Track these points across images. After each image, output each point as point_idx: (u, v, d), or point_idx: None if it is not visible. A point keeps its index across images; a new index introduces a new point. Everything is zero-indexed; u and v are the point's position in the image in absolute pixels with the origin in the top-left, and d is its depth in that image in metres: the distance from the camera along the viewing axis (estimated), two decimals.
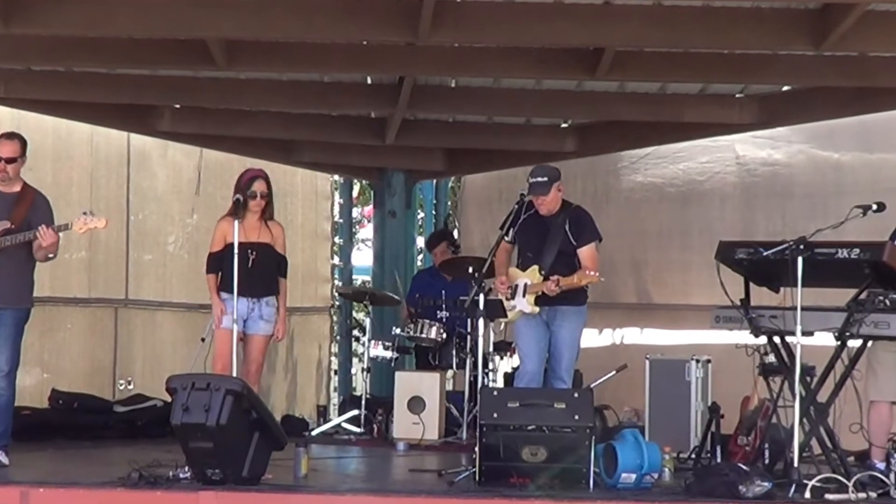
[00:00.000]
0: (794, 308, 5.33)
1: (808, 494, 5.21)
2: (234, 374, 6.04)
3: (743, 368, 6.12)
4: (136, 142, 8.71)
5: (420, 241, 10.55)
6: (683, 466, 6.17)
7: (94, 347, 8.63)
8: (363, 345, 8.14)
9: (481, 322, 6.73)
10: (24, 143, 6.00)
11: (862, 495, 5.23)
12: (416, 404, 7.17)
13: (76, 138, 8.44)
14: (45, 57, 7.15)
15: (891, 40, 6.51)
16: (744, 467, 5.47)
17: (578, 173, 9.07)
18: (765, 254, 5.49)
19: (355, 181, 10.94)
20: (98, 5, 6.28)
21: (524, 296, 5.95)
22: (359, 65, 7.33)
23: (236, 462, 5.28)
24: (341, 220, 10.33)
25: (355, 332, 10.27)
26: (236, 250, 6.15)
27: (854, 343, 5.67)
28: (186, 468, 5.39)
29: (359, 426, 7.67)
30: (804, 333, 5.36)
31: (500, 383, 7.42)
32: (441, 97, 8.23)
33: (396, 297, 8.34)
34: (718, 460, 6.27)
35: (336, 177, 10.23)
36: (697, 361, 7.04)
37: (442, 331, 7.64)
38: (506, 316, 6.20)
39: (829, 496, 5.22)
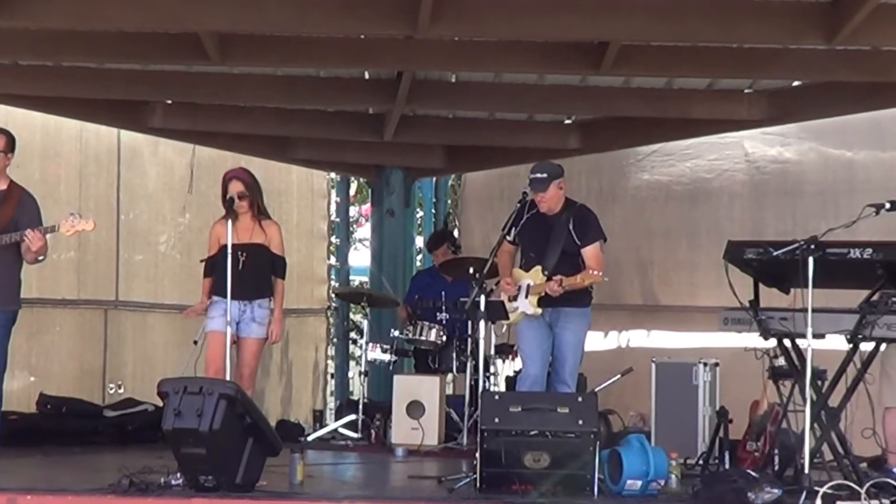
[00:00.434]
0: (805, 310, 5.34)
1: (819, 502, 5.21)
2: (228, 378, 6.05)
3: (752, 372, 6.14)
4: (126, 138, 8.72)
5: (419, 241, 10.60)
6: (691, 473, 6.19)
7: (84, 350, 8.63)
8: (360, 347, 8.12)
9: (482, 324, 6.73)
10: (10, 139, 6.01)
11: (874, 502, 5.23)
12: (415, 409, 7.20)
13: (65, 135, 8.44)
14: (32, 51, 7.17)
15: None
16: (753, 474, 5.47)
17: (583, 171, 9.08)
18: (775, 254, 5.49)
19: (352, 179, 11.01)
20: None
21: (526, 297, 5.96)
22: (356, 59, 7.35)
23: (230, 468, 5.29)
24: (338, 220, 10.33)
25: (352, 335, 10.16)
26: (230, 251, 6.17)
27: (867, 346, 5.67)
28: (178, 475, 5.40)
29: (356, 431, 7.70)
30: (815, 336, 5.37)
31: (502, 387, 7.44)
32: (441, 92, 8.25)
33: (395, 298, 8.41)
34: (727, 467, 6.28)
35: (332, 174, 10.27)
36: (705, 365, 7.04)
37: (442, 333, 7.67)
38: (508, 318, 6.19)
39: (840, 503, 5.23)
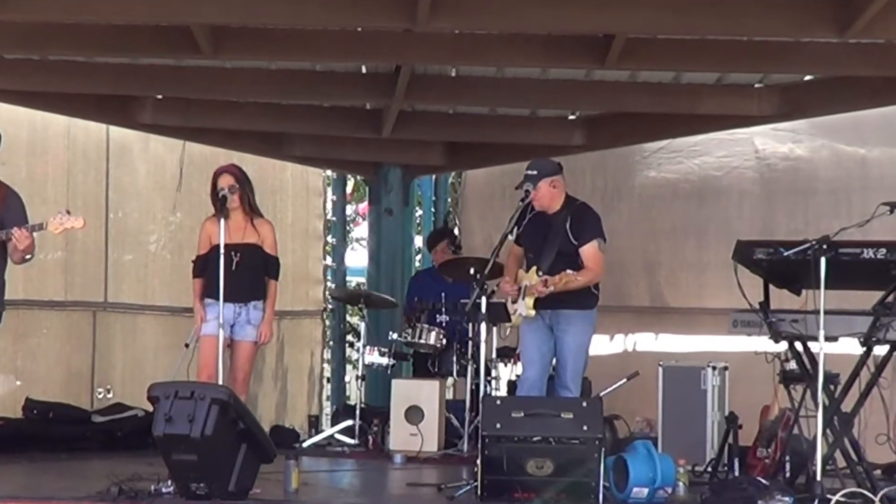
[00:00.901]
0: (817, 312, 5.36)
1: None
2: (221, 383, 6.04)
3: (762, 376, 6.14)
4: (115, 134, 8.71)
5: (418, 241, 10.59)
6: (699, 480, 6.21)
7: (71, 353, 8.63)
8: (357, 351, 8.17)
9: (483, 326, 6.76)
10: None
11: None
12: (413, 414, 7.21)
13: (52, 131, 8.44)
14: (18, 44, 7.15)
15: None
16: (763, 481, 5.48)
17: (587, 168, 9.08)
18: (785, 254, 5.51)
19: (349, 177, 10.98)
20: None
21: (523, 299, 5.96)
22: (353, 53, 7.34)
23: (222, 476, 5.31)
24: (334, 219, 10.37)
25: (349, 338, 10.34)
26: (222, 252, 6.16)
27: (881, 349, 5.67)
28: (169, 482, 5.43)
29: (353, 437, 7.71)
30: (827, 339, 5.38)
31: (504, 392, 7.42)
32: (441, 87, 8.26)
33: (393, 299, 8.40)
34: (736, 474, 6.29)
35: (329, 172, 10.29)
36: (714, 368, 7.05)
37: (442, 336, 7.68)
38: (509, 320, 6.21)
39: None
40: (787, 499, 5.23)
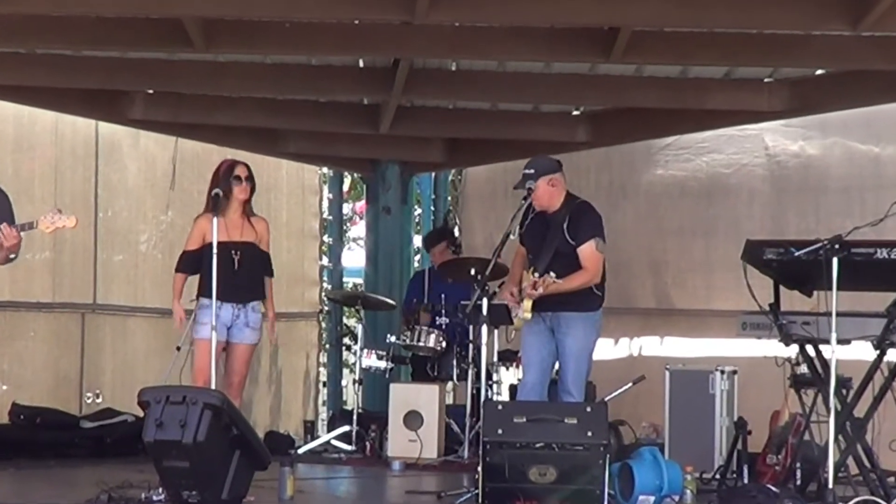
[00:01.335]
0: (829, 314, 5.36)
1: None
2: (214, 387, 6.04)
3: (772, 380, 6.15)
4: (104, 131, 8.70)
5: (417, 240, 10.57)
6: (707, 488, 6.23)
7: (59, 357, 8.63)
8: (355, 354, 8.24)
9: (485, 329, 6.76)
10: None
11: None
12: (412, 419, 7.22)
13: (39, 127, 8.43)
14: (4, 38, 7.14)
15: None
16: (773, 489, 5.48)
17: (591, 166, 9.08)
18: (796, 254, 5.52)
19: (346, 174, 10.96)
20: None
21: (522, 301, 5.96)
22: (350, 46, 7.36)
23: (215, 483, 5.33)
24: (330, 217, 10.36)
25: (346, 341, 10.35)
26: (215, 250, 6.15)
27: (895, 353, 5.67)
28: (160, 490, 5.46)
29: (350, 443, 7.72)
30: (840, 342, 5.38)
31: (506, 396, 7.40)
32: (440, 81, 8.25)
33: (391, 301, 8.38)
34: (745, 481, 6.28)
35: (325, 169, 10.29)
36: (722, 372, 7.06)
37: (441, 339, 7.67)
38: (512, 322, 6.20)
39: None
40: None
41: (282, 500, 5.67)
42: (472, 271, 7.15)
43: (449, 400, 7.96)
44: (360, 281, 10.50)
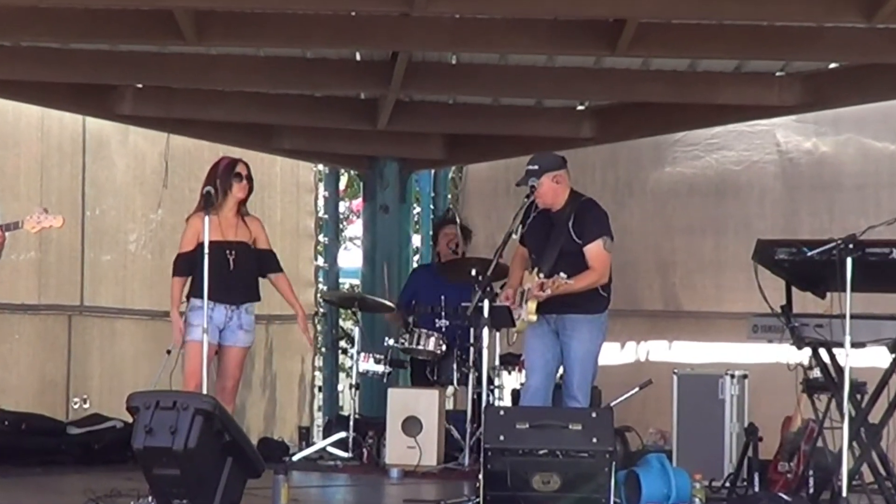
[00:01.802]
0: (843, 316, 5.35)
1: None
2: (206, 392, 6.04)
3: (784, 385, 6.16)
4: (92, 126, 8.69)
5: (416, 240, 10.60)
6: (716, 496, 6.27)
7: (45, 361, 8.64)
8: (351, 358, 8.11)
9: (486, 332, 6.70)
10: None
11: None
12: (411, 425, 7.18)
13: (24, 122, 8.41)
14: None
15: None
16: (785, 497, 5.48)
17: (597, 163, 9.08)
18: (809, 254, 5.53)
19: (342, 171, 10.98)
20: None
21: (525, 303, 5.95)
22: (346, 39, 7.38)
23: (207, 491, 5.33)
24: (326, 216, 10.34)
25: (342, 344, 10.30)
26: (206, 250, 6.15)
27: None
28: (150, 498, 5.45)
29: (346, 450, 7.69)
30: (854, 345, 5.39)
31: (508, 402, 7.39)
32: (440, 75, 8.26)
33: (390, 303, 8.34)
34: (756, 489, 6.28)
35: (320, 166, 10.30)
36: (732, 377, 7.05)
37: (441, 342, 7.66)
38: (514, 325, 6.21)
39: None
40: None
41: None
42: (473, 272, 7.14)
43: (449, 405, 7.99)
44: (356, 282, 10.52)
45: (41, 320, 8.63)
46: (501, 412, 5.74)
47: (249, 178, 6.44)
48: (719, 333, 8.22)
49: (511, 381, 7.59)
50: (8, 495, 6.58)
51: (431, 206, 10.35)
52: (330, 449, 7.80)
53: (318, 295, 10.11)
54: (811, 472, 5.99)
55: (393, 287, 9.00)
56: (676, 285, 8.91)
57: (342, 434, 7.77)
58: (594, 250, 5.97)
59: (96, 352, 8.90)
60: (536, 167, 6.02)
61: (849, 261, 5.32)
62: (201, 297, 6.23)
